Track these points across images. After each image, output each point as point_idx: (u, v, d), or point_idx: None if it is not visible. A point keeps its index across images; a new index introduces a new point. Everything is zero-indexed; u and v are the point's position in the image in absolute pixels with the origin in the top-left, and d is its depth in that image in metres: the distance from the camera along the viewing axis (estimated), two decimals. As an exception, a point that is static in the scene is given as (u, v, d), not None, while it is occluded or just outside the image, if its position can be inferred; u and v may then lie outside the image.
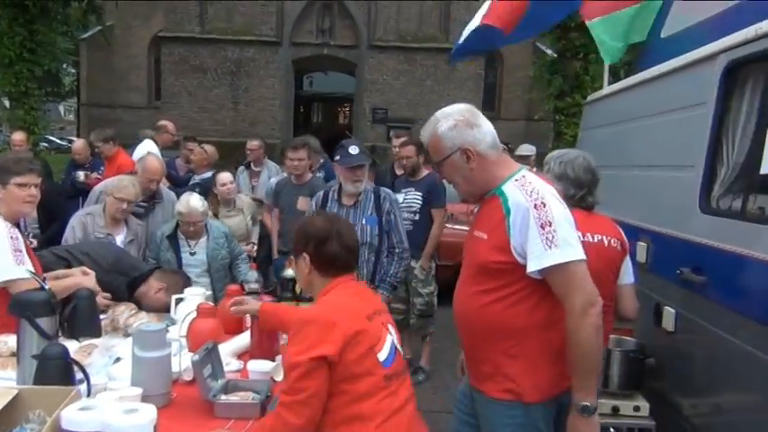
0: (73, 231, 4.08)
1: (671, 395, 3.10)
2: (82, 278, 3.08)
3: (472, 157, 2.18)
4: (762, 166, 2.36)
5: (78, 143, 7.27)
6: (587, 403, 2.05)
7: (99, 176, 6.56)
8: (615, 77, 7.86)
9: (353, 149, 3.91)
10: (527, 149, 7.05)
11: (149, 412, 1.73)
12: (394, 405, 2.03)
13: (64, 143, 33.25)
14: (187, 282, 3.73)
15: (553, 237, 2.03)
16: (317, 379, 1.90)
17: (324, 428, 1.96)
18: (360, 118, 23.52)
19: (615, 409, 3.10)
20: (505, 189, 2.15)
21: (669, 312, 3.04)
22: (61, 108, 46.18)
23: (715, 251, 2.65)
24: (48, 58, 13.41)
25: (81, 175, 6.34)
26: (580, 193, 2.81)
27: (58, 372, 2.10)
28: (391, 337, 2.12)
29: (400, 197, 5.31)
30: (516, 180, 2.16)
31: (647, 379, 3.22)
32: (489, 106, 25.08)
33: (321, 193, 4.13)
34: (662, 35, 4.07)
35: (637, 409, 3.10)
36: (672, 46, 3.69)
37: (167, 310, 3.37)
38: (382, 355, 2.03)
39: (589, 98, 5.08)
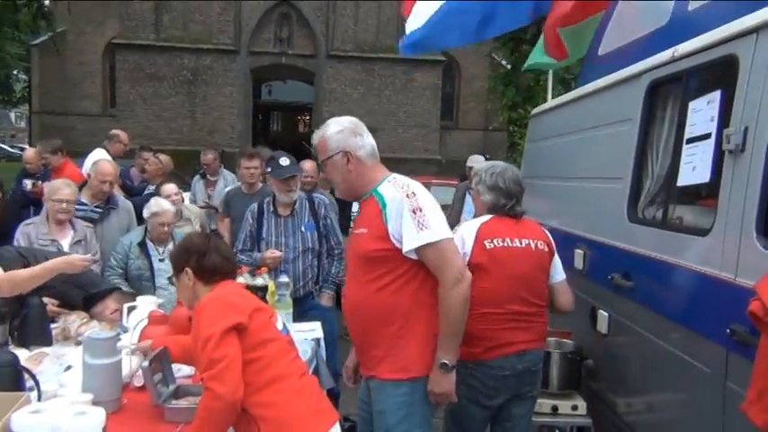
0: (17, 243, 4.07)
1: (606, 394, 3.27)
2: (64, 258, 3.09)
3: (351, 160, 2.50)
4: (679, 178, 2.56)
5: (30, 152, 7.14)
6: (446, 361, 2.40)
7: (47, 185, 6.50)
8: (567, 90, 8.13)
9: (284, 161, 4.06)
10: (477, 160, 7.11)
11: (98, 415, 1.80)
12: (302, 367, 2.26)
13: (15, 151, 32.43)
14: None
15: (423, 220, 2.35)
16: (231, 345, 2.03)
17: (249, 397, 2.07)
18: (319, 127, 23.52)
19: (554, 409, 3.24)
20: (380, 189, 2.48)
21: (603, 316, 3.22)
22: (12, 115, 45.04)
23: (640, 258, 2.84)
24: (-3, 63, 13.10)
25: (28, 183, 6.25)
26: (510, 203, 2.97)
27: (7, 379, 2.15)
28: (281, 318, 2.35)
29: (355, 206, 5.42)
30: (389, 181, 2.50)
31: (584, 379, 3.38)
32: (448, 116, 25.40)
33: (256, 205, 4.24)
34: (599, 52, 4.30)
35: (575, 408, 3.25)
36: (607, 63, 3.90)
37: None
38: (279, 326, 2.26)
39: (533, 112, 5.29)
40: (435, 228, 2.36)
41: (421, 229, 2.34)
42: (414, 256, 2.38)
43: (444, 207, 8.35)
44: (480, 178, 3.03)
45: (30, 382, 2.24)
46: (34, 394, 2.20)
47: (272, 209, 4.15)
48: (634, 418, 2.99)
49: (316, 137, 2.59)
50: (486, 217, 2.97)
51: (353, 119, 2.61)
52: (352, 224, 5.29)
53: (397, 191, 2.42)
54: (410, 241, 2.35)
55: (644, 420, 2.90)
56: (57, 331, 3.16)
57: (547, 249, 2.98)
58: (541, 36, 5.42)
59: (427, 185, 11.93)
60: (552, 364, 3.28)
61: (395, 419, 2.46)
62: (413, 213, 2.35)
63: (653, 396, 2.82)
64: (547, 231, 3.07)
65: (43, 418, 1.73)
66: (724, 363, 2.15)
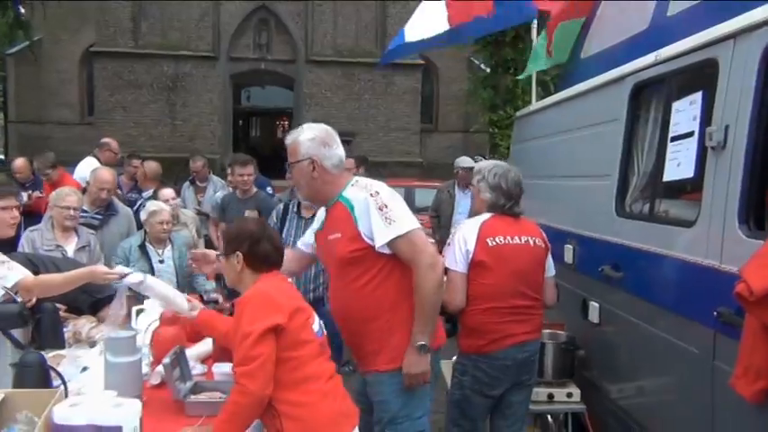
0: (22, 249, 4.15)
1: (599, 381, 3.43)
2: (90, 268, 3.13)
3: (317, 168, 2.61)
4: (664, 174, 2.73)
5: (19, 161, 7.18)
6: (423, 343, 2.52)
7: (41, 195, 6.54)
8: (546, 92, 8.29)
9: None
10: (465, 161, 7.28)
11: (135, 405, 1.90)
12: (331, 369, 2.33)
13: (-10, 161, 31.90)
14: None
15: (390, 215, 2.48)
16: (267, 345, 2.10)
17: (278, 393, 2.14)
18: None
19: (550, 397, 3.39)
20: (345, 194, 2.61)
21: (594, 306, 3.38)
22: (-15, 125, 44.26)
23: (629, 250, 3.00)
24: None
25: (24, 196, 6.31)
26: (509, 204, 3.12)
27: (36, 378, 2.23)
28: (317, 318, 2.39)
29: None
30: (352, 185, 2.62)
31: (578, 368, 3.53)
32: (427, 119, 25.57)
33: (282, 206, 4.34)
34: (582, 56, 4.47)
35: (569, 395, 3.40)
36: (591, 66, 4.08)
37: None
38: (315, 327, 2.31)
39: (519, 113, 5.44)
40: (402, 220, 2.50)
41: (389, 224, 2.47)
42: (387, 251, 2.51)
43: (427, 209, 8.39)
44: (483, 176, 3.15)
45: (56, 381, 2.33)
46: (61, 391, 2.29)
47: (295, 209, 4.24)
48: (627, 401, 3.14)
49: (289, 138, 2.69)
50: (486, 215, 3.11)
51: (328, 128, 2.71)
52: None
53: (361, 192, 2.55)
54: (381, 237, 2.48)
55: (636, 403, 3.06)
56: (68, 335, 3.25)
57: (543, 246, 3.14)
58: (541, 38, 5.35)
59: (411, 188, 12.02)
60: (547, 354, 3.41)
61: (397, 406, 2.60)
62: (379, 210, 2.48)
63: (644, 379, 2.98)
64: (541, 229, 3.22)
65: (84, 410, 1.83)
66: (712, 343, 2.31)
